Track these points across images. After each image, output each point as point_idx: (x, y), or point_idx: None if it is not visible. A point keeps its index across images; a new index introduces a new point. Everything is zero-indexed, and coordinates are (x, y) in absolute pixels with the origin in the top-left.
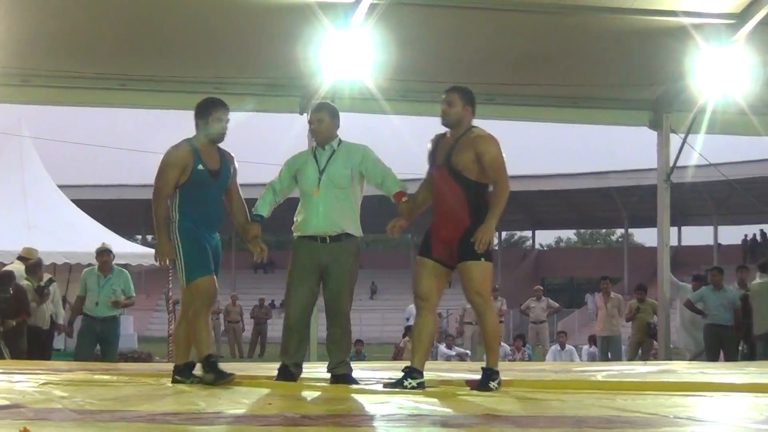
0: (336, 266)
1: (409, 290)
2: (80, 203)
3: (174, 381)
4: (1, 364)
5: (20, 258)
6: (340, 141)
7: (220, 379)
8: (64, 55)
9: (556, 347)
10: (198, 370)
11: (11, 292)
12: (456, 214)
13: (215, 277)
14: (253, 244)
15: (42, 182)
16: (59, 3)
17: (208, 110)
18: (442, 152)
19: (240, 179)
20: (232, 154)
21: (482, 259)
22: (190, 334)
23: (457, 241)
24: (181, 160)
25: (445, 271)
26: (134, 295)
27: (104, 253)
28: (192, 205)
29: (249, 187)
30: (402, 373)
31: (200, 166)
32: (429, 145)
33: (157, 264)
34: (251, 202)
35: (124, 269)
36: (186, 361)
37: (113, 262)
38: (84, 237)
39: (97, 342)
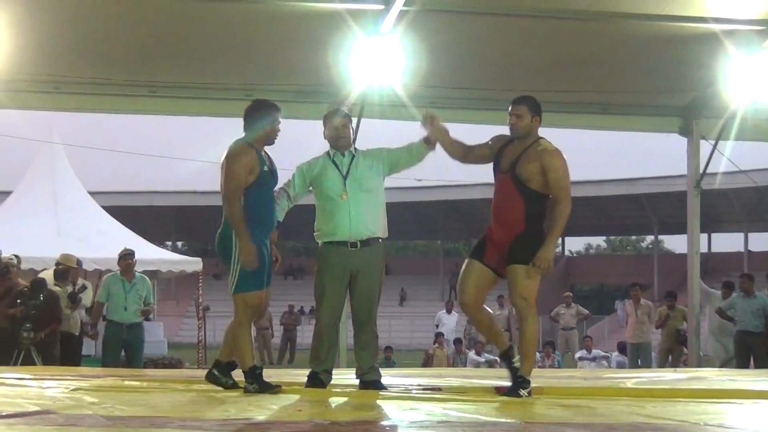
0: (366, 271)
1: (439, 297)
2: (110, 210)
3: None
4: (31, 370)
5: (58, 264)
6: (355, 147)
7: (266, 390)
8: (94, 63)
9: (583, 352)
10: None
11: (41, 298)
12: (512, 219)
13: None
14: (272, 251)
15: (73, 189)
16: (89, 11)
17: (274, 115)
18: (507, 159)
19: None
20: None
21: (532, 265)
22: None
23: (509, 244)
24: (250, 160)
25: (492, 278)
26: (153, 302)
27: (128, 257)
28: (257, 208)
29: None
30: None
31: (265, 167)
32: (490, 141)
33: (248, 267)
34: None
35: (145, 275)
36: (229, 360)
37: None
38: (114, 243)
39: (123, 348)
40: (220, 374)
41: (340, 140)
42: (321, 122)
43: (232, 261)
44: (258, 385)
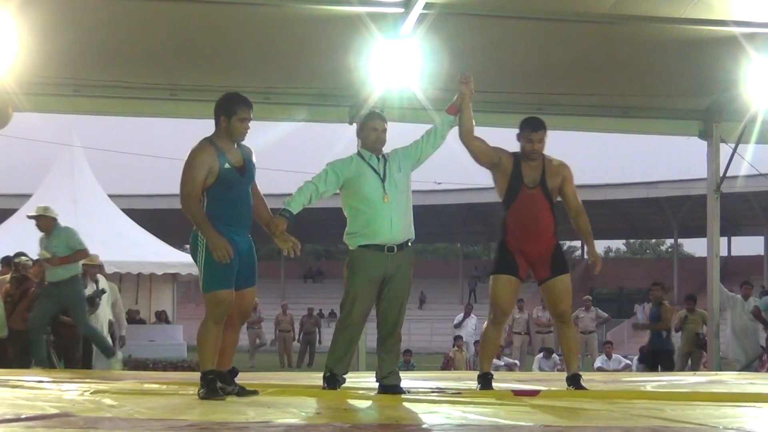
0: (400, 275)
1: (459, 300)
2: (130, 213)
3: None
4: (50, 372)
5: (84, 265)
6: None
7: (213, 397)
8: (114, 66)
9: (602, 357)
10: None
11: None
12: (548, 231)
13: (254, 287)
14: (282, 239)
15: (93, 192)
16: (110, 14)
17: (233, 109)
18: (530, 175)
19: (292, 189)
20: (251, 148)
21: (594, 267)
22: (228, 342)
23: (550, 256)
24: (206, 161)
25: (521, 287)
26: (82, 247)
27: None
28: (222, 207)
29: None
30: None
31: (227, 165)
32: (494, 152)
33: (222, 260)
34: (307, 211)
35: (69, 227)
36: (229, 369)
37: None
38: (134, 246)
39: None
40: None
41: (378, 143)
42: (341, 126)
43: (199, 260)
44: (206, 390)
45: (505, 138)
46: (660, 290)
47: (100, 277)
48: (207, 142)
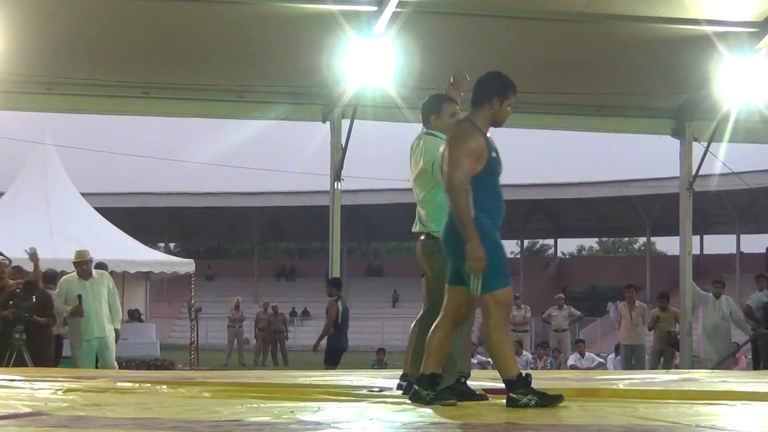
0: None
1: None
2: (103, 211)
3: (412, 394)
4: (22, 371)
5: (75, 263)
6: None
7: (547, 403)
8: (87, 64)
9: (575, 355)
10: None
11: (34, 300)
12: None
13: None
14: None
15: (65, 190)
16: (82, 12)
17: (506, 92)
18: None
19: (266, 187)
20: None
21: None
22: (444, 344)
23: None
24: (478, 146)
25: None
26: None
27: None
28: (489, 199)
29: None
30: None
31: (494, 153)
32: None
33: (473, 272)
34: (281, 209)
35: None
36: (434, 372)
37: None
38: (107, 245)
39: None
40: (425, 390)
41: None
42: (321, 123)
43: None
44: (533, 396)
45: None
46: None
47: (96, 272)
48: (468, 123)
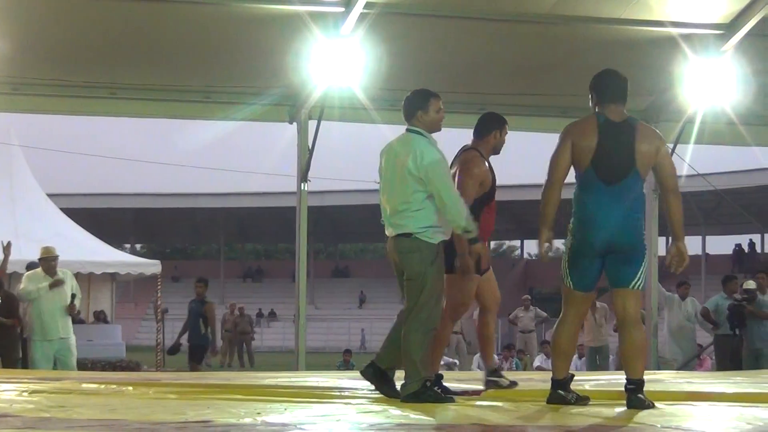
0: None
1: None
2: (69, 212)
3: (554, 398)
4: None
5: (41, 259)
6: None
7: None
8: (53, 64)
9: (541, 356)
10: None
11: (0, 299)
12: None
13: None
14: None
15: (31, 190)
16: (49, 12)
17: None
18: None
19: (232, 188)
20: None
21: None
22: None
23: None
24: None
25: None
26: None
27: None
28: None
29: (244, 197)
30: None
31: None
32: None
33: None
34: (248, 210)
35: None
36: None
37: None
38: (73, 246)
39: None
40: (564, 392)
41: (440, 124)
42: (288, 124)
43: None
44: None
45: (446, 138)
46: None
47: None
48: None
